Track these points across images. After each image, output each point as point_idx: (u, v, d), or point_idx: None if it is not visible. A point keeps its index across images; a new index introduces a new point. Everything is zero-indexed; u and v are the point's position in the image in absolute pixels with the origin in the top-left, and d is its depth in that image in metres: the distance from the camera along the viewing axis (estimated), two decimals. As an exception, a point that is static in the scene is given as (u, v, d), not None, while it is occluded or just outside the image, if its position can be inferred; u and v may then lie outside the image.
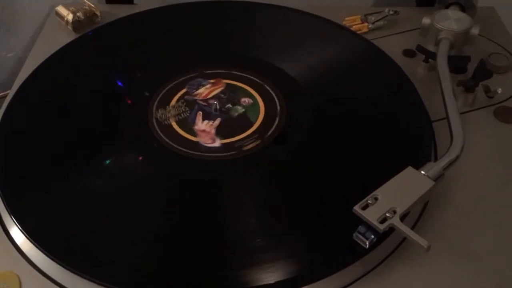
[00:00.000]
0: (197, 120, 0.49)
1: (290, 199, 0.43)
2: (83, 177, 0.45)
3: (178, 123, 0.49)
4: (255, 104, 0.51)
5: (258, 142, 0.47)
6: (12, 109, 0.51)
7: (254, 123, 0.49)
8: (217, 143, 0.47)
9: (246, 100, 0.51)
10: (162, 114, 0.49)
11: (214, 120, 0.49)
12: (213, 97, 0.51)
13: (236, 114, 0.50)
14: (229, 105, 0.50)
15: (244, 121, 0.49)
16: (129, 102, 0.52)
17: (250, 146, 0.46)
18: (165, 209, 0.43)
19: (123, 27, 0.61)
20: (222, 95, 0.51)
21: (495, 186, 0.45)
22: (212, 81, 0.53)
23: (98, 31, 0.60)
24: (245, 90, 0.52)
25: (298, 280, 0.37)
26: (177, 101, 0.51)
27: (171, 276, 0.38)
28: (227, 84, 0.53)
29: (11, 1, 0.70)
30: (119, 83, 0.54)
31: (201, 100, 0.51)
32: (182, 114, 0.50)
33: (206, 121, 0.49)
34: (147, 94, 0.52)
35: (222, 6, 0.63)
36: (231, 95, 0.51)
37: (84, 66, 0.56)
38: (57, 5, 0.63)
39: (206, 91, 0.52)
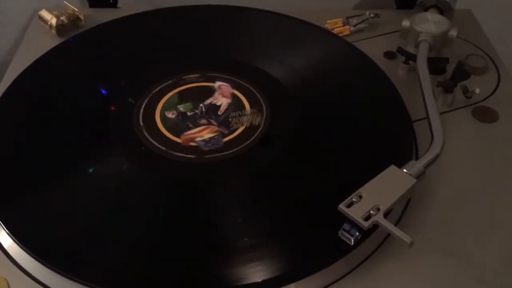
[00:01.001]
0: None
1: (276, 199, 0.44)
2: (69, 180, 0.45)
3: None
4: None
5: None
6: (-1, 113, 0.51)
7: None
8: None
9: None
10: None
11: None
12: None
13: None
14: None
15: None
16: (113, 107, 0.52)
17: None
18: (152, 210, 0.43)
19: (107, 31, 0.61)
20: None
21: (474, 183, 0.46)
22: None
23: (82, 36, 0.60)
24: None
25: (285, 277, 0.38)
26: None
27: (159, 276, 0.38)
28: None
29: (-8, 6, 0.70)
30: (104, 87, 0.54)
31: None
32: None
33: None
34: (131, 98, 0.52)
35: (206, 10, 0.64)
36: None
37: (68, 71, 0.56)
38: (40, 9, 0.63)
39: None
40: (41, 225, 0.42)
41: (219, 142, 0.48)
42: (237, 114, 0.51)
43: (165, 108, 0.51)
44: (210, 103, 0.52)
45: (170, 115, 0.51)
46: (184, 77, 0.55)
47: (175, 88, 0.53)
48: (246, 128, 0.49)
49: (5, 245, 0.41)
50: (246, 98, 0.52)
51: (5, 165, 0.46)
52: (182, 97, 0.52)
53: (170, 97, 0.52)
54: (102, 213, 0.43)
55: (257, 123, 0.49)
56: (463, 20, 0.63)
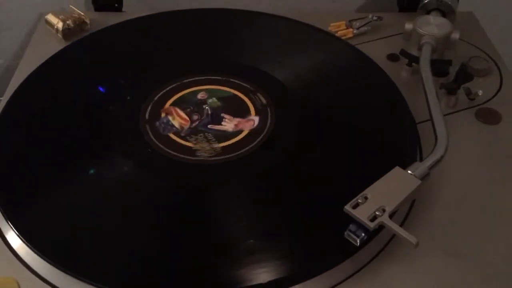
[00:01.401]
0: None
1: (282, 201, 0.44)
2: (77, 181, 0.46)
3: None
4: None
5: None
6: (6, 116, 0.51)
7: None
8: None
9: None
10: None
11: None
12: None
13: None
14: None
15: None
16: (119, 107, 0.52)
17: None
18: (157, 212, 0.44)
19: (112, 34, 0.62)
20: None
21: (478, 184, 0.46)
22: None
23: (88, 39, 0.61)
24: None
25: (291, 278, 0.38)
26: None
27: (165, 279, 0.39)
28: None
29: (-2, 10, 0.71)
30: (110, 89, 0.55)
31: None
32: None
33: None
34: (137, 99, 0.53)
35: (208, 14, 0.64)
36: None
37: (75, 74, 0.56)
38: (46, 13, 0.64)
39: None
40: (49, 226, 0.42)
41: (168, 127, 0.49)
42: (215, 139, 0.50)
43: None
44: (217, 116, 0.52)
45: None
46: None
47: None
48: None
49: (14, 246, 0.42)
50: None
51: (14, 167, 0.47)
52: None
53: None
54: (109, 214, 0.43)
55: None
56: (465, 22, 0.64)
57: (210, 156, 0.47)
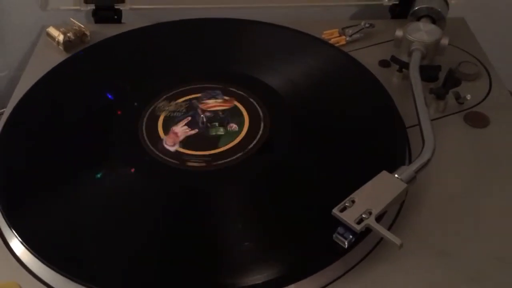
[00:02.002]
0: (180, 122, 0.52)
1: (273, 205, 0.46)
2: (79, 188, 0.47)
3: (165, 118, 0.52)
4: (235, 132, 0.52)
5: (202, 164, 0.48)
6: (10, 126, 0.53)
7: (219, 147, 0.50)
8: (174, 148, 0.49)
9: (233, 126, 0.52)
10: (162, 105, 0.51)
11: (192, 129, 0.52)
12: (212, 111, 0.54)
13: (213, 133, 0.51)
14: (215, 123, 0.53)
15: (212, 143, 0.51)
16: (119, 116, 0.54)
17: (193, 164, 0.48)
18: (157, 217, 0.45)
19: (112, 45, 0.63)
20: (220, 113, 0.54)
21: (465, 187, 0.48)
22: (226, 98, 0.55)
23: (88, 51, 0.63)
24: (241, 112, 0.54)
25: (284, 279, 0.40)
26: (184, 101, 0.53)
27: (162, 281, 0.40)
28: (235, 106, 0.54)
29: (1, 22, 0.73)
30: (109, 99, 0.57)
31: (201, 109, 0.53)
32: (175, 113, 0.52)
33: (185, 127, 0.51)
34: (136, 108, 0.55)
35: (204, 24, 0.66)
36: (227, 117, 0.53)
37: (76, 85, 0.58)
38: (48, 26, 0.65)
39: (213, 103, 0.54)
40: (52, 232, 0.44)
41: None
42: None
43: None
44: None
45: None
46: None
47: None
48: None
49: (18, 253, 0.43)
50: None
51: (16, 174, 0.49)
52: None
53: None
54: (112, 220, 0.45)
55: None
56: (456, 28, 0.65)
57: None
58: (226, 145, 0.50)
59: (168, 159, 0.49)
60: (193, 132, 0.51)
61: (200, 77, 0.58)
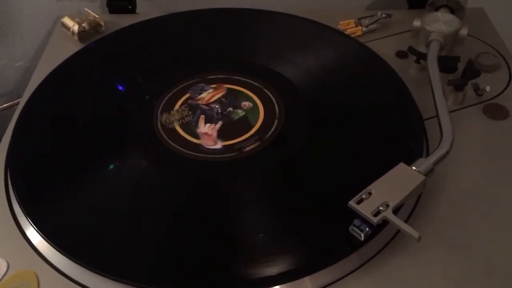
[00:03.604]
0: (199, 124, 0.52)
1: (290, 196, 0.45)
2: (95, 178, 0.47)
3: (181, 126, 0.52)
4: (254, 107, 0.53)
5: (257, 143, 0.49)
6: (25, 116, 0.53)
7: (254, 125, 0.51)
8: (219, 145, 0.49)
9: (246, 104, 0.53)
10: (166, 118, 0.51)
11: (215, 123, 0.52)
12: (215, 102, 0.54)
13: (236, 117, 0.52)
14: (230, 109, 0.53)
15: (244, 124, 0.52)
16: (134, 108, 0.54)
17: (250, 147, 0.49)
18: (175, 209, 0.45)
19: (127, 35, 0.63)
20: (224, 99, 0.54)
21: (483, 180, 0.47)
22: (213, 86, 0.56)
23: (103, 41, 0.63)
24: (245, 94, 0.55)
25: (299, 271, 0.40)
26: (181, 105, 0.53)
27: (179, 270, 0.41)
28: (228, 88, 0.55)
29: (17, 13, 0.73)
30: (125, 90, 0.56)
31: (203, 104, 0.54)
32: (185, 118, 0.52)
33: (208, 124, 0.51)
34: (151, 100, 0.55)
35: (220, 13, 0.66)
36: (232, 99, 0.54)
37: (91, 74, 0.58)
38: (62, 16, 0.66)
39: (208, 95, 0.54)
40: (68, 222, 0.44)
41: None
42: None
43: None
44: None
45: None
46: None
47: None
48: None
49: (34, 242, 0.44)
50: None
51: (32, 165, 0.49)
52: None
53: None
54: (125, 211, 0.45)
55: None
56: (475, 18, 0.64)
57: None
58: (257, 120, 0.51)
59: (225, 155, 0.49)
60: (218, 125, 0.51)
61: (214, 67, 0.58)
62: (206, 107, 0.53)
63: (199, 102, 0.54)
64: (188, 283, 0.40)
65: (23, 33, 0.75)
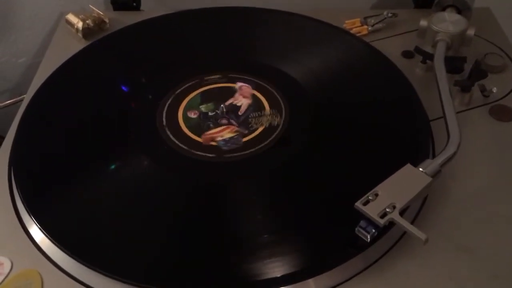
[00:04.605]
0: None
1: (295, 197, 0.45)
2: (99, 177, 0.47)
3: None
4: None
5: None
6: (29, 114, 0.53)
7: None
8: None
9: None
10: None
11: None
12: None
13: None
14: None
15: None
16: (138, 105, 0.54)
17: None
18: (179, 209, 0.45)
19: (131, 33, 0.63)
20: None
21: (490, 181, 0.47)
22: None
23: (107, 38, 0.62)
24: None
25: (304, 272, 0.39)
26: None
27: (184, 272, 0.40)
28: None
29: (20, 9, 0.73)
30: (128, 88, 0.56)
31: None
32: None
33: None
34: (155, 98, 0.54)
35: (225, 12, 0.65)
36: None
37: (95, 72, 0.58)
38: (66, 12, 0.65)
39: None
40: (71, 220, 0.44)
41: (238, 142, 0.49)
42: (257, 114, 0.52)
43: (188, 108, 0.53)
44: (231, 104, 0.53)
45: (192, 115, 0.52)
46: (206, 78, 0.56)
47: (197, 88, 0.55)
48: (265, 128, 0.51)
49: (37, 240, 0.44)
50: (266, 99, 0.54)
51: (36, 163, 0.49)
52: (204, 97, 0.54)
53: (193, 97, 0.54)
54: (129, 210, 0.45)
55: (276, 124, 0.51)
56: (482, 19, 0.63)
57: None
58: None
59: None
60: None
61: (220, 67, 0.57)
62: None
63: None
64: (192, 284, 0.40)
65: (26, 29, 0.74)
